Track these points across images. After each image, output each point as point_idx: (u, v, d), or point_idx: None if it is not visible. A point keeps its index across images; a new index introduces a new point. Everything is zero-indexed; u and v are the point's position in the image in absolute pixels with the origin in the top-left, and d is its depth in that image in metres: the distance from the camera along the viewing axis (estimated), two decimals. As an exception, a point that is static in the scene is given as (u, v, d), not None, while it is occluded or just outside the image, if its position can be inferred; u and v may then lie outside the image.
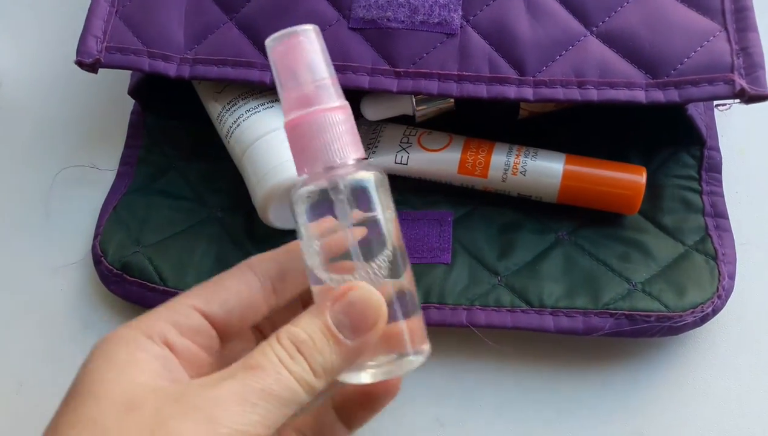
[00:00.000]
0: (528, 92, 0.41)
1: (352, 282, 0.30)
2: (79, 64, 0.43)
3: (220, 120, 0.45)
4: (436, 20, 0.43)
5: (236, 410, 0.27)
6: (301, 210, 0.31)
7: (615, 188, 0.43)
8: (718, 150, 0.46)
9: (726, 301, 0.40)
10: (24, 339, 0.45)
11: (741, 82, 0.39)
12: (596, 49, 0.42)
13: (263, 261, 0.33)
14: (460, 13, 0.43)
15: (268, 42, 0.31)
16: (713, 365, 0.41)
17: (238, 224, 0.46)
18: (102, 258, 0.44)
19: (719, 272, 0.41)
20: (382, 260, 0.31)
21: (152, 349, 0.29)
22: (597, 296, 0.41)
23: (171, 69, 0.43)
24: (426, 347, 0.32)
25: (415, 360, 0.32)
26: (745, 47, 0.40)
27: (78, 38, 0.44)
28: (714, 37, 0.41)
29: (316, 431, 0.35)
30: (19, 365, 0.44)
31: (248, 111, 0.44)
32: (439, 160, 0.45)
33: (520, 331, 0.41)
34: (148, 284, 0.43)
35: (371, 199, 0.31)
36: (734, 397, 0.40)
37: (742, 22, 0.41)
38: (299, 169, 0.31)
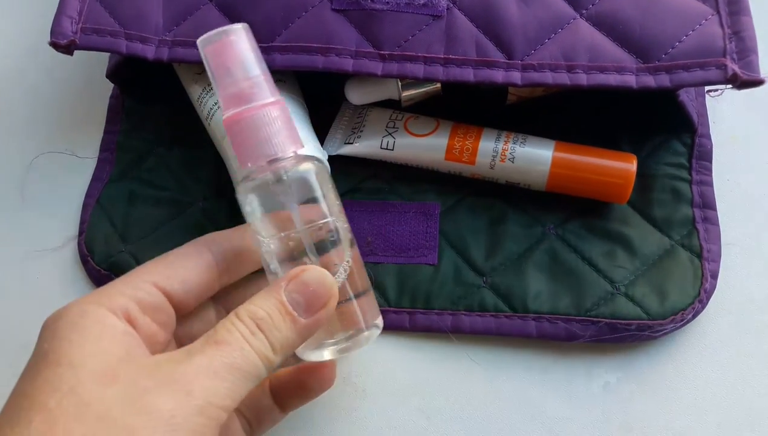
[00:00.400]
0: (516, 76, 0.41)
1: (306, 266, 0.32)
2: (54, 45, 0.42)
3: (201, 102, 0.44)
4: (422, 2, 0.42)
5: (208, 383, 0.28)
6: (248, 201, 0.33)
7: (605, 176, 0.42)
8: (709, 137, 0.45)
9: (707, 303, 0.41)
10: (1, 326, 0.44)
11: (733, 66, 0.39)
12: (586, 32, 0.41)
13: (219, 240, 0.35)
14: (447, -6, 0.42)
15: (200, 42, 0.33)
16: (700, 358, 0.41)
17: (222, 212, 0.45)
18: (89, 258, 0.44)
19: (702, 272, 0.41)
20: (329, 245, 0.34)
21: (117, 324, 0.30)
22: (580, 300, 0.41)
23: (149, 51, 0.42)
24: (378, 320, 0.36)
25: (370, 335, 0.35)
26: (738, 31, 0.40)
27: (52, 19, 0.42)
28: (706, 20, 0.40)
29: (253, 412, 0.37)
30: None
31: (229, 94, 0.43)
32: (426, 145, 0.44)
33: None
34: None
35: (313, 188, 0.33)
36: (720, 391, 0.40)
37: (734, 5, 0.41)
38: (242, 163, 0.33)
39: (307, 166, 0.33)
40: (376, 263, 0.43)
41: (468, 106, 0.47)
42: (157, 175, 0.47)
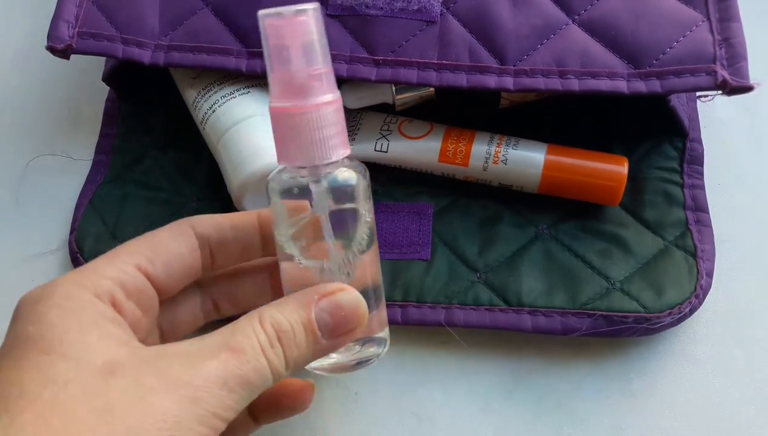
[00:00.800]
0: (508, 82, 0.41)
1: (343, 285, 0.30)
2: (51, 49, 0.42)
3: (196, 106, 0.45)
4: (416, 7, 0.42)
5: (217, 393, 0.26)
6: (277, 194, 0.31)
7: (597, 179, 0.43)
8: (700, 142, 0.46)
9: (703, 300, 0.41)
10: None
11: (723, 73, 0.39)
12: (578, 37, 0.41)
13: (205, 224, 0.33)
14: (440, 1, 0.42)
15: (262, 15, 0.29)
16: (692, 359, 0.41)
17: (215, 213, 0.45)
18: (78, 254, 0.44)
19: (698, 269, 0.41)
20: (353, 256, 0.31)
21: (105, 310, 0.28)
22: (575, 295, 0.41)
23: (145, 56, 0.42)
24: (383, 334, 0.34)
25: (376, 351, 0.33)
26: (728, 38, 0.40)
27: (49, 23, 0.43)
28: (696, 27, 0.41)
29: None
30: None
31: (223, 97, 0.43)
32: (420, 148, 0.45)
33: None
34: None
35: (352, 199, 0.31)
36: (711, 392, 0.40)
37: (724, 12, 0.41)
38: (281, 158, 0.30)
39: (350, 175, 0.31)
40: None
41: (461, 111, 0.47)
42: (152, 177, 0.47)
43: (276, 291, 0.35)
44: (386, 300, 0.41)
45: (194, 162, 0.47)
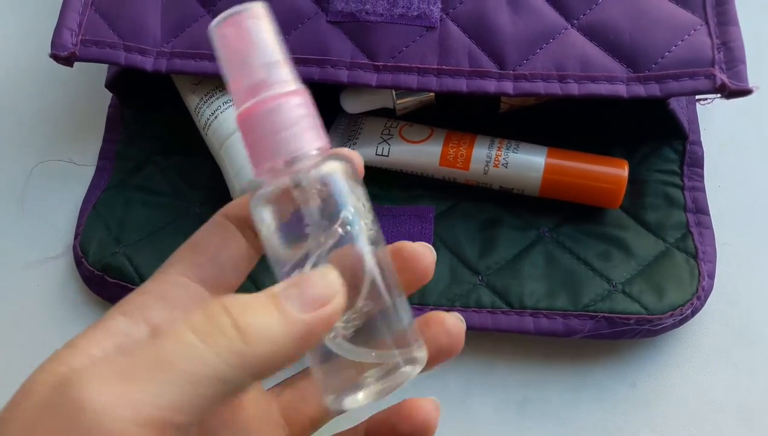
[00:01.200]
0: (508, 86, 0.41)
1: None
2: (54, 57, 0.42)
3: (198, 112, 0.45)
4: (416, 13, 0.42)
5: (133, 387, 0.22)
6: (262, 215, 0.27)
7: (597, 182, 0.43)
8: (700, 144, 0.46)
9: (705, 301, 0.41)
10: None
11: (722, 76, 0.39)
12: (577, 42, 0.42)
13: (236, 208, 0.30)
14: (440, 6, 0.43)
15: (212, 27, 0.27)
16: (693, 361, 0.41)
17: (218, 219, 0.45)
18: (83, 259, 0.44)
19: (699, 271, 0.41)
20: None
21: (129, 331, 0.26)
22: (577, 297, 0.41)
23: (148, 63, 0.43)
24: (420, 353, 0.29)
25: (410, 371, 0.28)
26: (726, 41, 0.40)
27: (52, 31, 0.43)
28: (695, 31, 0.41)
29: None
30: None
31: (226, 103, 0.44)
32: (421, 152, 0.45)
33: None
34: (128, 285, 0.43)
35: (338, 193, 0.27)
36: (714, 393, 0.40)
37: (723, 16, 0.41)
38: (256, 168, 0.27)
39: (331, 167, 0.27)
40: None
41: (461, 115, 0.47)
42: (154, 183, 0.47)
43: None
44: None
45: (197, 167, 0.47)
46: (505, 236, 0.44)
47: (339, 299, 0.25)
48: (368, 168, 0.45)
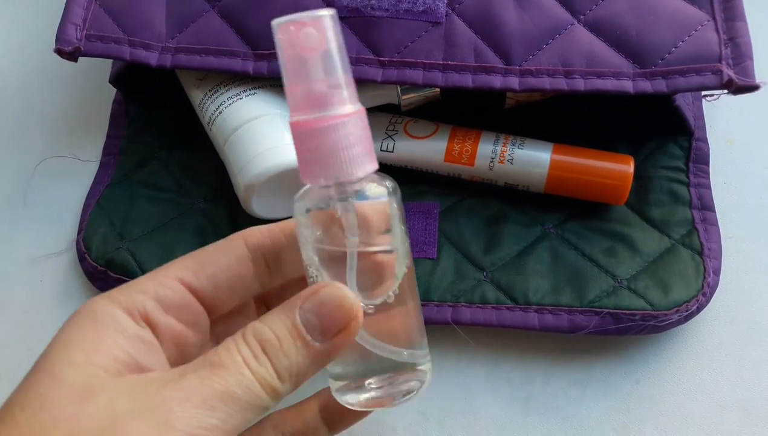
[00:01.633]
0: (514, 82, 0.41)
1: (327, 282, 0.28)
2: (59, 52, 0.42)
3: (202, 108, 0.45)
4: (421, 8, 0.42)
5: (193, 412, 0.25)
6: (303, 221, 0.29)
7: (602, 178, 0.43)
8: (705, 141, 0.46)
9: (710, 297, 0.41)
10: (2, 330, 0.45)
11: (729, 72, 0.39)
12: (583, 37, 0.41)
13: (257, 235, 0.31)
14: (446, 2, 0.43)
15: (276, 24, 0.27)
16: (698, 359, 0.41)
17: (221, 215, 0.45)
18: (86, 255, 0.44)
19: (704, 267, 0.41)
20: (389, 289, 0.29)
21: (129, 326, 0.28)
22: (582, 293, 0.41)
23: (152, 58, 0.43)
24: (423, 367, 0.31)
25: (414, 386, 0.30)
26: (733, 37, 0.40)
27: (57, 26, 0.43)
28: (702, 26, 0.41)
29: (297, 431, 0.33)
30: (-2, 355, 0.44)
31: (230, 98, 0.44)
32: (426, 147, 0.45)
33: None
34: (131, 280, 0.43)
35: (383, 218, 0.28)
36: (719, 391, 0.40)
37: (730, 11, 0.41)
38: (304, 176, 0.28)
39: (379, 191, 0.28)
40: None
41: (466, 111, 0.47)
42: (158, 178, 0.47)
43: None
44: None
45: (201, 163, 0.47)
46: (510, 232, 0.44)
47: (355, 324, 0.27)
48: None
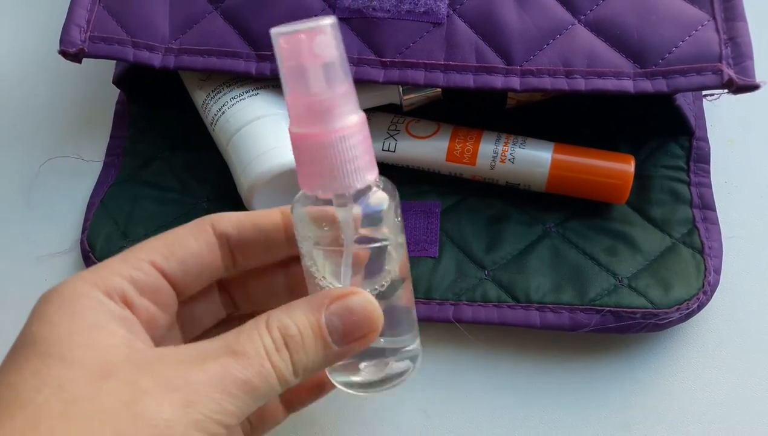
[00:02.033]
0: (515, 82, 0.41)
1: (355, 288, 0.29)
2: (63, 53, 0.43)
3: (205, 108, 0.45)
4: (423, 9, 0.42)
5: (215, 397, 0.25)
6: (302, 223, 0.29)
7: (603, 177, 0.43)
8: (706, 140, 0.46)
9: (711, 296, 0.41)
10: (5, 329, 0.45)
11: (729, 72, 0.39)
12: (584, 37, 0.42)
13: (225, 222, 0.32)
14: (447, 2, 0.43)
15: (275, 34, 0.26)
16: (699, 357, 0.41)
17: (225, 214, 0.46)
18: (90, 254, 0.44)
19: (705, 266, 0.41)
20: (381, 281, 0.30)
21: (114, 309, 0.28)
22: (583, 291, 0.41)
23: (156, 59, 0.43)
24: (412, 348, 0.32)
25: (404, 371, 0.32)
26: (734, 37, 0.40)
27: (61, 27, 0.43)
28: (702, 26, 0.41)
29: (257, 413, 0.34)
30: (2, 355, 0.44)
31: (233, 99, 0.44)
32: (427, 147, 0.45)
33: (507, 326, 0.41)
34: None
35: (381, 224, 0.29)
36: (720, 390, 0.40)
37: (730, 11, 0.41)
38: (303, 185, 0.28)
39: (378, 196, 0.29)
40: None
41: (468, 111, 0.47)
42: (162, 178, 0.47)
43: (292, 291, 0.34)
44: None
45: (204, 163, 0.47)
46: (512, 231, 0.44)
47: (374, 334, 0.29)
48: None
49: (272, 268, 0.35)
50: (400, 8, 0.42)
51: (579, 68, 0.41)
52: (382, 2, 0.43)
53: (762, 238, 0.44)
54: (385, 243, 0.29)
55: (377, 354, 0.31)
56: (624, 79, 0.40)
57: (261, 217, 0.32)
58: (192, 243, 0.31)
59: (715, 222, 0.43)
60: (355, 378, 0.32)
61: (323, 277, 0.30)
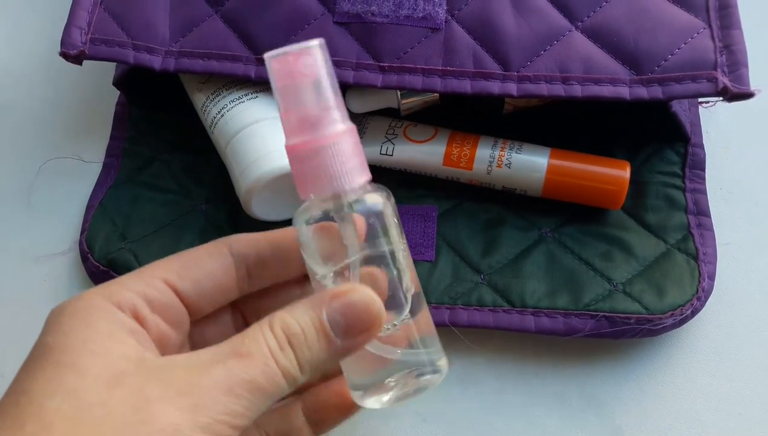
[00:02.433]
0: (512, 87, 0.41)
1: (355, 285, 0.29)
2: (64, 55, 0.43)
3: (204, 111, 0.45)
4: (421, 15, 0.43)
5: (221, 399, 0.26)
6: (304, 232, 0.30)
7: (599, 183, 0.43)
8: (702, 147, 0.46)
9: (705, 302, 0.41)
10: (5, 329, 0.45)
11: (724, 79, 0.39)
12: (581, 44, 0.42)
13: (242, 243, 0.32)
14: (445, 8, 0.43)
15: (268, 58, 0.29)
16: (693, 363, 0.41)
17: (223, 216, 0.46)
18: (89, 254, 0.45)
19: (699, 272, 0.41)
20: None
21: (126, 322, 0.28)
22: (578, 296, 0.41)
23: (156, 62, 0.43)
24: (442, 362, 0.32)
25: (432, 378, 0.32)
26: (729, 45, 0.40)
27: (62, 29, 0.43)
28: (698, 34, 0.41)
29: (280, 430, 0.34)
30: (2, 354, 0.44)
31: (232, 102, 0.44)
32: (425, 151, 0.45)
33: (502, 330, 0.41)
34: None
35: (377, 224, 0.30)
36: (714, 395, 0.41)
37: (725, 19, 0.41)
38: (302, 193, 0.30)
39: (374, 200, 0.30)
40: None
41: (465, 116, 0.47)
42: (161, 180, 0.48)
43: None
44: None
45: (203, 165, 0.48)
46: (508, 236, 0.44)
47: (377, 327, 0.29)
48: (372, 167, 0.46)
49: (286, 285, 0.35)
50: (398, 13, 0.43)
51: (575, 75, 0.41)
52: (380, 7, 0.43)
53: (756, 244, 0.45)
54: (385, 243, 0.30)
55: (401, 367, 0.31)
56: (620, 85, 0.41)
57: (277, 236, 0.33)
58: (208, 264, 0.31)
59: (710, 228, 0.43)
60: (386, 397, 0.32)
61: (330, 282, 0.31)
